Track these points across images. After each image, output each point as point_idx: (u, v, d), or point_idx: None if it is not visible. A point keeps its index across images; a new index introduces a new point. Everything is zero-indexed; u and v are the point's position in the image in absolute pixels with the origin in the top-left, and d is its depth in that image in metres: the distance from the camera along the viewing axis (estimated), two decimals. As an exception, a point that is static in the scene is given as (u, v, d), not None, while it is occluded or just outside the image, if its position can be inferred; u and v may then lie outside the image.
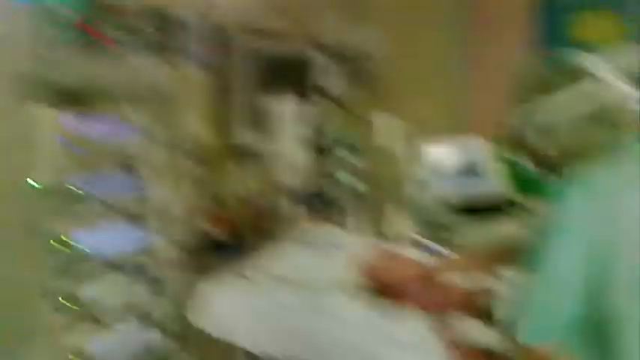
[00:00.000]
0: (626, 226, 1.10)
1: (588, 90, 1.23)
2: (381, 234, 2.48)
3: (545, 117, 1.26)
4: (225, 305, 1.77)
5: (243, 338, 1.75)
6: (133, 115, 1.58)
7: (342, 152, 2.59)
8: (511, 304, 1.23)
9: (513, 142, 1.40)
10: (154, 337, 1.74)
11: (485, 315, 1.66)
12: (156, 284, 1.71)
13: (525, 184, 2.66)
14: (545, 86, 1.27)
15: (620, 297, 1.10)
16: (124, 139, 1.60)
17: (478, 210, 2.93)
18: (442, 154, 2.91)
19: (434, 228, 2.74)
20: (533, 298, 1.15)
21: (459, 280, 1.87)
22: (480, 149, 3.00)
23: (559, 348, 1.20)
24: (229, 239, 2.09)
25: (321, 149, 2.59)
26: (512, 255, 1.41)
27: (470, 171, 2.96)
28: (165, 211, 1.67)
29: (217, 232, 2.06)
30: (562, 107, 1.24)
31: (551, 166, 1.31)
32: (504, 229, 2.61)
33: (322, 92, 2.61)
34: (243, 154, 2.29)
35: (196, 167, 1.95)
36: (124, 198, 1.63)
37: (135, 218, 1.66)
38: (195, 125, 1.90)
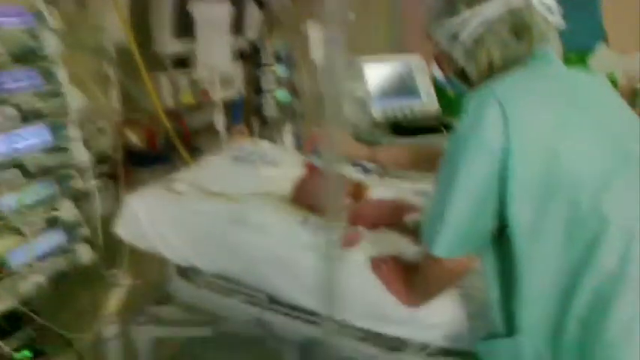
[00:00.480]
0: (521, 135, 1.11)
1: (512, 3, 1.22)
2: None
3: (470, 31, 1.24)
4: (151, 218, 1.75)
5: (170, 251, 1.75)
6: (45, 10, 1.46)
7: (278, 66, 2.53)
8: (429, 219, 1.25)
9: (440, 59, 1.39)
10: (79, 249, 1.71)
11: (408, 229, 1.70)
12: (78, 195, 1.66)
13: (453, 102, 2.68)
14: None
15: (513, 204, 1.12)
16: (36, 35, 1.48)
17: (414, 129, 2.95)
18: (379, 71, 2.88)
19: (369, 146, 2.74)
20: (447, 212, 1.17)
21: (385, 194, 1.90)
22: (418, 68, 2.98)
23: (470, 261, 1.24)
24: (155, 151, 2.05)
25: (256, 62, 2.52)
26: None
27: (407, 90, 2.94)
28: (86, 119, 1.60)
29: (142, 144, 2.01)
30: (486, 20, 1.22)
31: (474, 81, 1.30)
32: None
33: (259, 2, 2.51)
34: (171, 64, 2.21)
35: (119, 74, 1.87)
36: (39, 101, 1.53)
37: (53, 125, 1.58)
38: (117, 29, 1.80)
